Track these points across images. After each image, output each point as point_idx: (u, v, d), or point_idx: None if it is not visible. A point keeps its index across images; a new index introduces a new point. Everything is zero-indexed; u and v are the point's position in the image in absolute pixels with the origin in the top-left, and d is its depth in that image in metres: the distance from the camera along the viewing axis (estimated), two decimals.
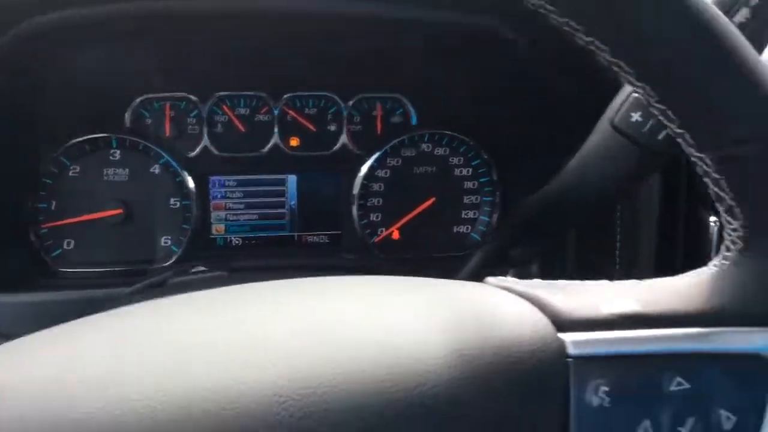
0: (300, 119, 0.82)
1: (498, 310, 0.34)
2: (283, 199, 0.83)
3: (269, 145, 0.82)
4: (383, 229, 0.84)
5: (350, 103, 0.83)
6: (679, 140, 0.34)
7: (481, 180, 0.86)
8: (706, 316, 0.33)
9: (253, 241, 0.83)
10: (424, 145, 0.85)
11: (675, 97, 0.33)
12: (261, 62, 0.77)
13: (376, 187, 0.84)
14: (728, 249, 0.34)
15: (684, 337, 0.32)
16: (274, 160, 0.82)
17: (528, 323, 0.33)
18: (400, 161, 0.84)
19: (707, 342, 0.32)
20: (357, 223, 0.83)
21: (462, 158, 0.86)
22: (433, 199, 0.84)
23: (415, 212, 0.84)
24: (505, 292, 0.36)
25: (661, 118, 0.34)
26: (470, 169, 0.86)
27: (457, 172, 0.86)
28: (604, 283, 0.36)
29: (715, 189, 0.34)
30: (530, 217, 0.62)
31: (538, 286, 0.36)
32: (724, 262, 0.34)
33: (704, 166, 0.34)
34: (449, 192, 0.85)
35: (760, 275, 0.32)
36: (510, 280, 0.37)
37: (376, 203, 0.84)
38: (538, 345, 0.32)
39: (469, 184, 0.86)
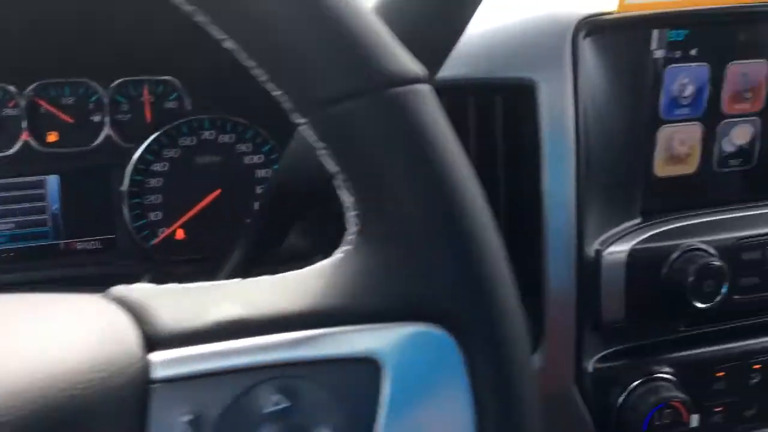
0: (54, 111, 0.72)
1: (80, 331, 0.27)
2: (43, 203, 0.73)
3: (18, 143, 0.71)
4: (164, 229, 0.76)
5: (112, 88, 0.74)
6: (284, 106, 0.28)
7: (275, 167, 0.79)
8: (314, 315, 0.27)
9: (11, 254, 0.73)
10: (206, 133, 0.77)
11: (261, 50, 0.27)
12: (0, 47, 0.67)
13: (153, 182, 0.75)
14: (351, 232, 0.29)
15: (282, 344, 0.26)
16: (29, 159, 0.72)
17: (111, 344, 0.26)
18: (179, 152, 0.76)
19: (309, 348, 0.26)
20: (130, 224, 0.74)
21: (251, 145, 0.78)
22: (218, 191, 0.76)
23: (198, 207, 0.76)
24: (112, 306, 0.29)
25: (259, 78, 0.28)
26: (261, 156, 0.79)
27: (247, 160, 0.79)
28: (230, 283, 0.30)
29: (326, 162, 0.28)
30: (274, 201, 0.56)
31: (159, 294, 0.29)
32: (346, 247, 0.29)
33: (310, 135, 0.28)
34: (239, 182, 0.78)
35: (372, 261, 0.27)
36: (137, 288, 0.30)
37: (154, 201, 0.75)
38: (115, 370, 0.25)
39: (261, 173, 0.79)
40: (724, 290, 0.60)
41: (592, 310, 0.59)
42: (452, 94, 0.54)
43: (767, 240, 0.64)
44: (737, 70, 0.64)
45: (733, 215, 0.66)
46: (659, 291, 0.61)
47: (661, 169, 0.65)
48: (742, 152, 0.67)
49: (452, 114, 0.28)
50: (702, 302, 0.60)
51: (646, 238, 0.62)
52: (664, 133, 0.64)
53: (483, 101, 0.59)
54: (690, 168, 0.66)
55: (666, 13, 0.58)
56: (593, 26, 0.58)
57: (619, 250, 0.61)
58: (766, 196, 0.69)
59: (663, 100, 0.63)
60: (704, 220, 0.65)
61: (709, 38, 0.63)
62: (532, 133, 0.57)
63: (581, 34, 0.57)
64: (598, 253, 0.60)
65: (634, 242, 0.62)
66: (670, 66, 0.62)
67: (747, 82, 0.65)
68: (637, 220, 0.65)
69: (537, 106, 0.57)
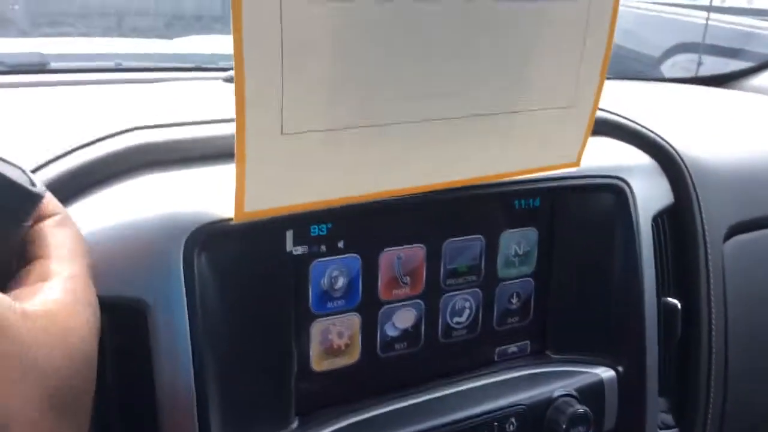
0: None
1: None
2: None
3: None
4: None
5: None
6: None
7: None
8: None
9: None
10: None
11: None
12: None
13: None
14: None
15: None
16: None
17: None
18: None
19: None
20: None
21: None
22: None
23: None
24: None
25: None
26: None
27: None
28: None
29: None
30: None
31: None
32: None
33: None
34: None
35: None
36: None
37: None
38: None
39: None
40: None
41: None
42: None
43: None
44: (391, 257, 0.62)
45: (401, 405, 0.63)
46: None
47: (318, 363, 0.61)
48: (407, 335, 0.65)
49: None
50: None
51: None
52: (317, 327, 0.60)
53: None
54: (351, 359, 0.62)
55: (295, 214, 0.54)
56: (211, 236, 0.51)
57: None
58: (432, 377, 0.67)
59: (312, 295, 0.59)
60: (365, 416, 0.61)
61: (356, 229, 0.60)
62: (144, 358, 0.49)
63: (197, 247, 0.50)
64: None
65: None
66: (315, 261, 0.58)
67: (403, 267, 0.63)
68: (294, 425, 0.60)
69: (148, 331, 0.49)
